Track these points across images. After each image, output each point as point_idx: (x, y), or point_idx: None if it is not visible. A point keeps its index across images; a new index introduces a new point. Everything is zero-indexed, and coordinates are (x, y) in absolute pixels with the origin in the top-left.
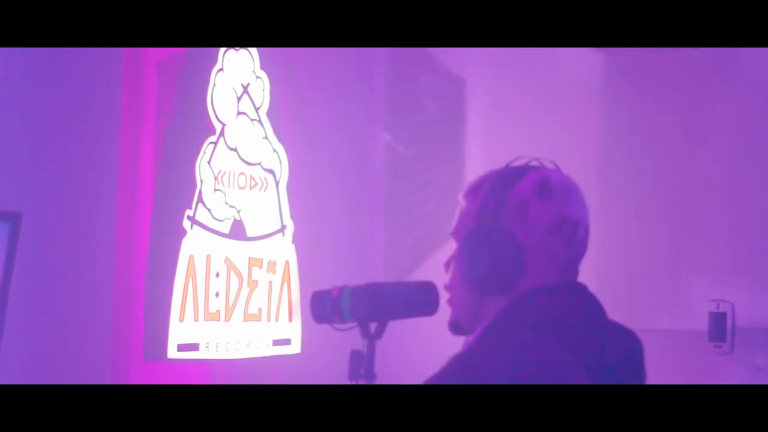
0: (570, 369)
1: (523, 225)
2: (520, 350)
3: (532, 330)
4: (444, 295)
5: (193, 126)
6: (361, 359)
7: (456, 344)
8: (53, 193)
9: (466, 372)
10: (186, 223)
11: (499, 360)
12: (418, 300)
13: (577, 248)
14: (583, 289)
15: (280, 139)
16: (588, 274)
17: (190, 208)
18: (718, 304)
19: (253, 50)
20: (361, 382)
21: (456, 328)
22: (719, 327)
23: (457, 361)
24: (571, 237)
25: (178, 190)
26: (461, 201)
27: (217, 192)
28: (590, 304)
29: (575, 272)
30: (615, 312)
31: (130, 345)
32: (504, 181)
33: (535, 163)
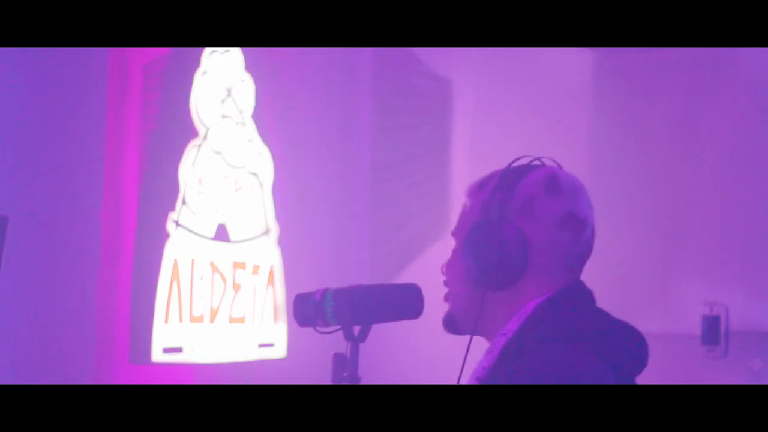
0: (601, 374)
1: (530, 219)
2: (550, 360)
3: (559, 339)
4: (440, 291)
5: (177, 129)
6: (344, 362)
7: (441, 349)
8: (38, 197)
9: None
10: (170, 226)
11: (531, 370)
12: (403, 303)
13: (584, 246)
14: (589, 290)
15: (265, 142)
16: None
17: (175, 211)
18: (712, 308)
19: (238, 52)
20: (345, 385)
21: (451, 324)
22: (713, 330)
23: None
24: (578, 234)
25: (162, 193)
26: (465, 199)
27: (202, 195)
28: (595, 305)
29: (579, 271)
30: None
31: (114, 348)
32: (510, 176)
33: (537, 163)
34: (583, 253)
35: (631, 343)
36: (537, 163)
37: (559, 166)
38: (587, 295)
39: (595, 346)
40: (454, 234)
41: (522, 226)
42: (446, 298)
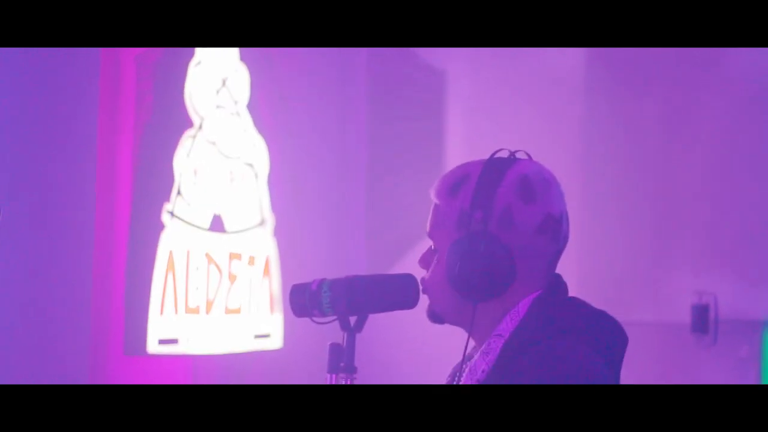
0: (597, 364)
1: (510, 230)
2: (553, 354)
3: (556, 334)
4: (423, 289)
5: (172, 120)
6: (340, 352)
7: (436, 339)
8: (31, 189)
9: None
10: (165, 218)
11: (538, 365)
12: (399, 293)
13: (562, 242)
14: (563, 281)
15: (261, 133)
16: (571, 269)
17: (169, 202)
18: (701, 296)
19: None
20: (341, 375)
21: (436, 317)
22: (702, 319)
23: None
24: (556, 233)
25: (157, 184)
26: (434, 199)
27: (196, 186)
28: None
29: (556, 264)
30: (598, 305)
31: (110, 339)
32: (484, 186)
33: (504, 153)
34: (561, 247)
35: (615, 332)
36: (504, 153)
37: (528, 156)
38: (564, 287)
39: (588, 338)
40: (430, 235)
41: (504, 238)
42: (429, 297)
